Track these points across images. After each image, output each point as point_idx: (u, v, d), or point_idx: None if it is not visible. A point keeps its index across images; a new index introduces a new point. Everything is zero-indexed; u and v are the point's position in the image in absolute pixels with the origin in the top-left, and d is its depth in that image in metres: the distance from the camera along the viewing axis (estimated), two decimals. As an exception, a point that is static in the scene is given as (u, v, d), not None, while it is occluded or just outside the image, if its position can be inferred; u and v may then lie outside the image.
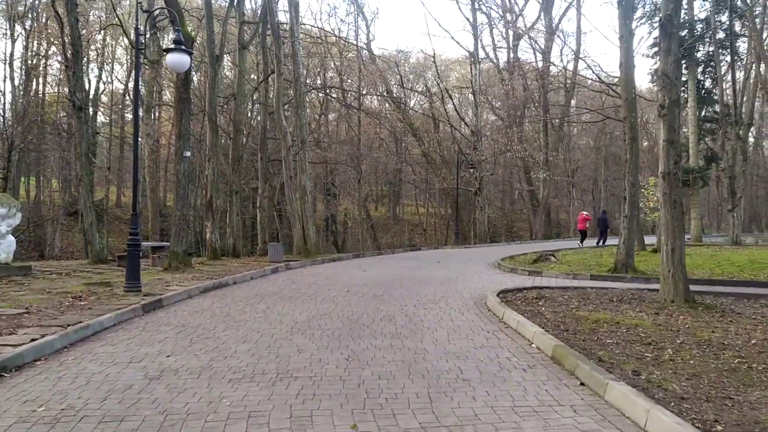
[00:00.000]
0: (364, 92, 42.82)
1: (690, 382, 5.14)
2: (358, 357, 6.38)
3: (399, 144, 47.74)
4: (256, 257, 23.19)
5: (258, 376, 5.70)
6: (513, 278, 14.16)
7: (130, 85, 39.03)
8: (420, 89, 47.40)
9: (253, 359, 6.35)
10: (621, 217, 14.70)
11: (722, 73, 33.90)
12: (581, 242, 29.18)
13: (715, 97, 37.29)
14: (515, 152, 35.88)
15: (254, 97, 26.50)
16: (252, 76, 29.93)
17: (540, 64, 40.67)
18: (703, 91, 36.19)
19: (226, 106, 24.83)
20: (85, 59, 40.92)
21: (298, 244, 21.62)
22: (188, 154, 14.96)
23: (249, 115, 25.88)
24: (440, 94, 41.51)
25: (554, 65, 38.56)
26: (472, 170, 33.85)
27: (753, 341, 6.66)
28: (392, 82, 43.60)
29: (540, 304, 9.61)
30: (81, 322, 8.05)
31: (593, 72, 32.08)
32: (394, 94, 42.22)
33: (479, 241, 36.66)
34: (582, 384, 5.29)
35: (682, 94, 42.14)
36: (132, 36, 10.88)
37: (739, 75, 32.54)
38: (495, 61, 46.22)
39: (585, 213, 32.68)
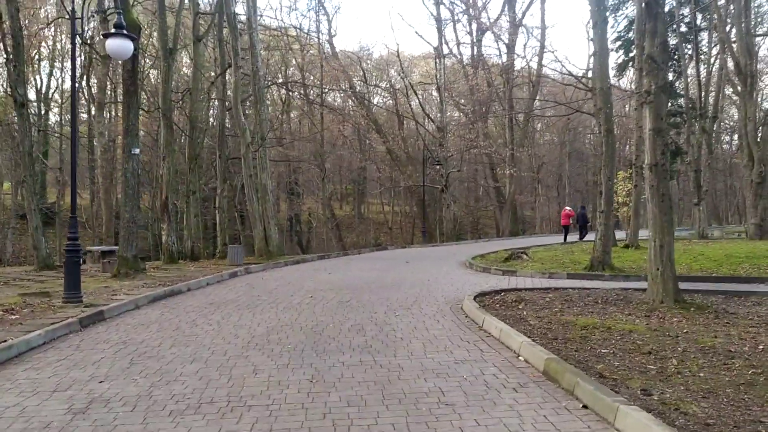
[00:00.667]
0: (326, 89, 41.85)
1: (708, 402, 4.44)
2: (324, 377, 5.53)
3: (363, 142, 46.90)
4: (216, 260, 22.06)
5: (205, 406, 4.81)
6: (487, 279, 13.47)
7: (83, 82, 37.27)
8: (384, 86, 46.66)
9: (201, 383, 5.44)
10: (597, 212, 14.15)
11: (686, 65, 34.07)
12: (564, 238, 28.76)
13: (680, 91, 37.60)
14: (481, 148, 35.37)
15: (212, 94, 25.27)
16: (210, 73, 28.68)
17: (505, 57, 40.28)
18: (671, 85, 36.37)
19: (181, 103, 23.57)
20: (36, 56, 39.02)
21: (260, 245, 20.58)
22: (137, 151, 13.83)
23: (207, 111, 24.70)
24: (404, 90, 40.79)
25: (519, 56, 38.16)
26: (438, 167, 33.21)
27: (761, 347, 6.04)
28: (355, 79, 42.78)
29: (521, 307, 8.91)
30: (4, 341, 7.00)
31: (561, 65, 31.78)
32: (357, 90, 41.34)
33: (446, 240, 36.09)
34: (585, 407, 4.54)
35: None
36: (76, 25, 9.76)
37: (702, 68, 32.62)
38: (459, 56, 45.78)
39: (568, 208, 32.33)
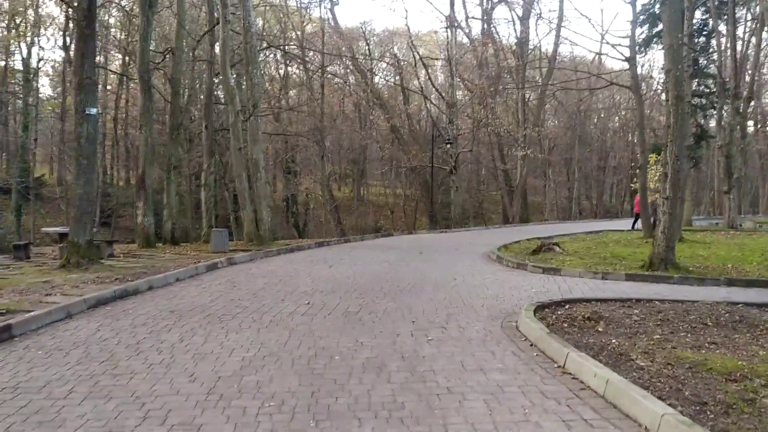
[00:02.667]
0: (327, 63, 38.84)
1: None
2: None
3: (365, 119, 44.08)
4: (200, 245, 19.39)
5: None
6: (526, 278, 10.84)
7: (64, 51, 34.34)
8: (388, 60, 43.66)
9: None
10: (660, 199, 11.49)
11: (719, 42, 31.25)
12: (633, 225, 25.98)
13: (709, 71, 34.76)
14: (496, 127, 32.59)
15: (198, 54, 22.38)
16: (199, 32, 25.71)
17: (519, 29, 37.34)
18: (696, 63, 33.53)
19: (162, 62, 20.68)
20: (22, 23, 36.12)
21: (249, 229, 17.90)
22: (93, 111, 11.09)
23: (192, 75, 21.87)
24: (412, 63, 37.85)
25: (543, 19, 35.08)
26: (448, 146, 30.45)
27: None
28: (358, 54, 39.81)
29: (602, 330, 6.31)
30: None
31: (596, 30, 28.86)
32: (360, 62, 38.34)
33: (454, 225, 33.43)
34: None
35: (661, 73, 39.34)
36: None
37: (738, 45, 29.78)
38: (468, 29, 42.76)
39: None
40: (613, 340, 5.89)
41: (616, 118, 65.87)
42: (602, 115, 62.75)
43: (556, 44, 36.58)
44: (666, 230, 11.40)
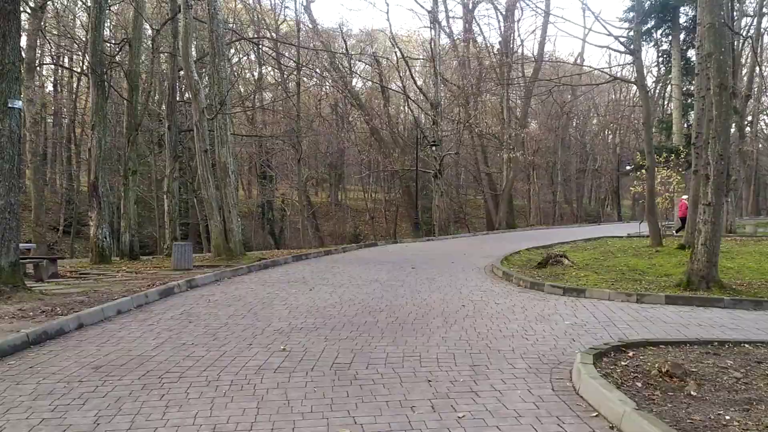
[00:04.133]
0: (303, 57, 36.72)
1: None
2: None
3: (343, 120, 42.13)
4: (162, 260, 17.31)
5: None
6: (549, 303, 9.01)
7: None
8: (368, 59, 41.79)
9: None
10: (701, 205, 9.75)
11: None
12: (678, 230, 24.36)
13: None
14: (482, 126, 30.89)
15: (159, 46, 20.17)
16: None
17: (502, 25, 35.77)
18: (688, 62, 32.27)
19: (118, 56, 18.49)
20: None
21: (217, 242, 15.82)
22: (18, 104, 9.00)
23: (153, 69, 19.64)
24: (393, 62, 36.00)
25: (532, 9, 33.48)
26: (434, 148, 28.63)
27: None
28: (335, 53, 37.79)
29: (697, 395, 4.49)
30: None
31: (599, 22, 27.32)
32: (338, 61, 36.32)
33: (439, 232, 31.62)
34: None
35: (661, 68, 38.27)
36: None
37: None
38: (448, 30, 41.08)
39: (685, 197, 27.85)
40: (725, 415, 4.06)
41: (595, 120, 64.93)
42: (581, 118, 61.71)
43: (543, 41, 35.00)
44: (708, 242, 9.67)
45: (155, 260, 17.67)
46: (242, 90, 35.25)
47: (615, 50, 23.90)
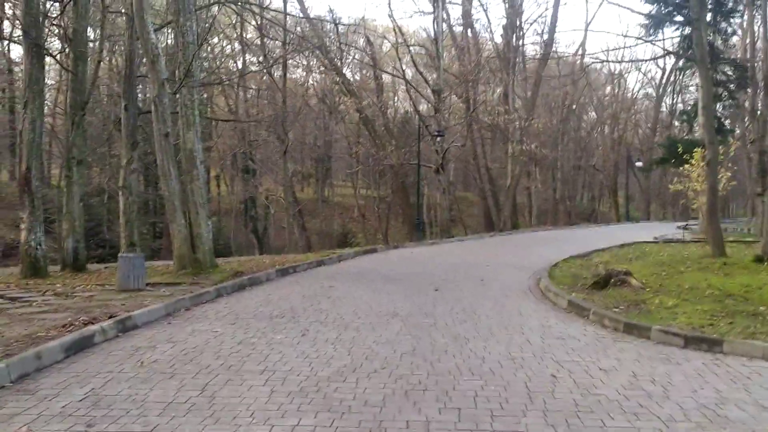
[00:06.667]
0: (290, 44, 33.16)
1: None
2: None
3: (331, 112, 38.72)
4: (114, 271, 13.81)
5: None
6: (683, 368, 5.75)
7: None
8: (359, 47, 38.40)
9: None
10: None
11: (752, 18, 27.15)
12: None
13: (725, 56, 30.62)
14: (490, 117, 27.65)
15: (108, 3, 16.49)
16: None
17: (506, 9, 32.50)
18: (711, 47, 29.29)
19: (59, 20, 14.87)
20: None
21: (181, 252, 12.34)
22: None
23: (103, 34, 16.13)
24: (386, 49, 32.61)
25: None
26: (438, 139, 25.32)
27: None
28: (325, 39, 34.31)
29: None
30: None
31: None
32: (327, 45, 32.79)
33: (441, 233, 28.37)
34: None
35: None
36: None
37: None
38: (446, 16, 37.77)
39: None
40: None
41: (593, 114, 62.02)
42: (578, 112, 58.66)
43: (553, 23, 31.72)
44: None
45: (107, 271, 14.18)
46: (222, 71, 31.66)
47: (673, 22, 20.65)
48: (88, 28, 16.27)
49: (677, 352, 6.30)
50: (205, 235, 12.83)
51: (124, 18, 15.72)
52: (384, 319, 7.85)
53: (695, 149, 19.79)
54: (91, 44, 17.64)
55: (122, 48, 17.47)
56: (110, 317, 7.44)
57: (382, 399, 4.74)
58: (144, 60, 14.73)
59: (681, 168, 20.08)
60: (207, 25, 15.55)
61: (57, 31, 15.93)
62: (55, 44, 20.25)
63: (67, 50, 15.72)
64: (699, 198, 20.05)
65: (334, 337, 6.80)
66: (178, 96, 12.71)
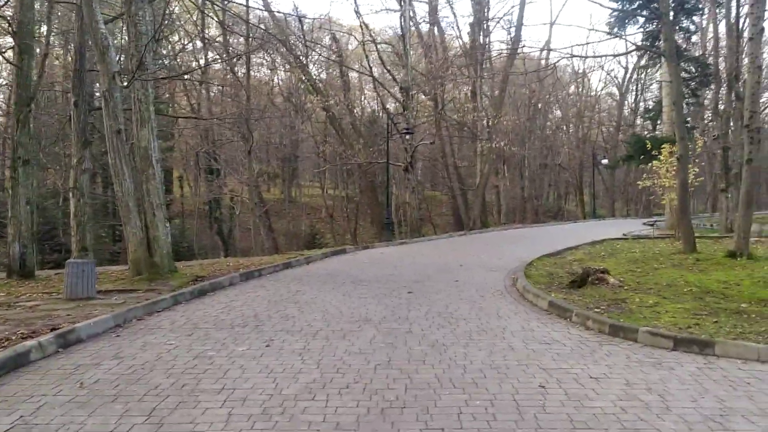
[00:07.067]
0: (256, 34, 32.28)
1: None
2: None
3: (298, 111, 37.96)
4: (61, 280, 12.93)
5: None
6: (676, 373, 5.37)
7: None
8: (325, 44, 37.68)
9: None
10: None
11: (714, 16, 27.39)
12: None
13: (688, 54, 30.94)
14: (458, 115, 27.31)
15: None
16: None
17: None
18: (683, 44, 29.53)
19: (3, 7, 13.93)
20: None
21: (136, 255, 11.58)
22: None
23: (50, 26, 15.28)
24: (352, 47, 32.04)
25: None
26: (408, 137, 24.86)
27: None
28: (291, 37, 33.56)
29: None
30: None
31: None
32: (291, 43, 32.06)
33: (410, 233, 27.93)
34: None
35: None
36: None
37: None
38: (412, 13, 37.38)
39: None
40: None
41: (558, 112, 62.50)
42: (544, 110, 59.02)
43: (520, 20, 31.62)
44: None
45: (57, 278, 13.30)
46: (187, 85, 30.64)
47: (642, 15, 20.48)
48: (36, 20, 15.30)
49: (668, 355, 5.91)
50: (163, 238, 12.10)
51: (76, 8, 14.80)
52: (356, 326, 7.30)
53: (662, 146, 19.80)
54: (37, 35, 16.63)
55: (72, 40, 16.49)
56: (52, 330, 6.75)
57: (355, 420, 4.20)
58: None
59: (648, 165, 20.05)
60: (163, 17, 14.68)
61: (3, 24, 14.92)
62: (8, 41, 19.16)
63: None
64: (668, 194, 20.06)
65: (302, 348, 6.23)
66: (130, 91, 11.93)
